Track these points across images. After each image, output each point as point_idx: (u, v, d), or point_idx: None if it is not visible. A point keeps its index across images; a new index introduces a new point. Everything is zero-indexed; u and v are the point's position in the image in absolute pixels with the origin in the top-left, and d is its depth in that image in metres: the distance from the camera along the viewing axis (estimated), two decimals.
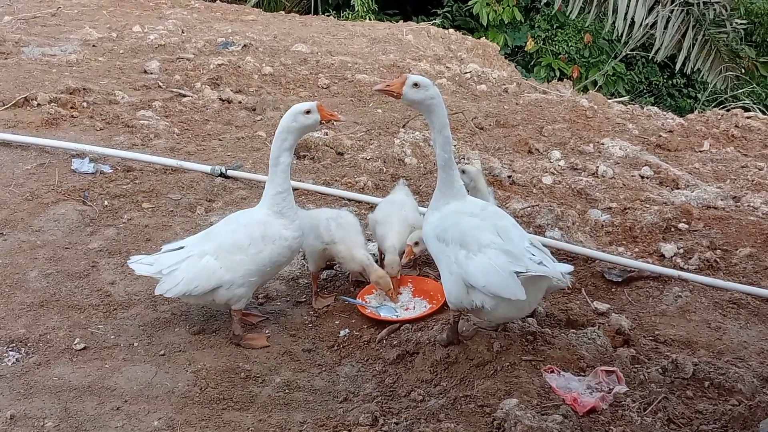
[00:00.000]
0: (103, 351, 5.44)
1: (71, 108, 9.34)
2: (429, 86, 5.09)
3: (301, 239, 5.69)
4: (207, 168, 8.01)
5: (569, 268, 4.87)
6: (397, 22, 16.85)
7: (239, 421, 4.81)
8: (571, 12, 15.77)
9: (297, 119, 5.41)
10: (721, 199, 8.02)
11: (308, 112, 5.42)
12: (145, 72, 11.05)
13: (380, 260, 6.39)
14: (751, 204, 7.96)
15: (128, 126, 9.07)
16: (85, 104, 9.49)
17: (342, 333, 5.73)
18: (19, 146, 8.27)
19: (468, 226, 5.04)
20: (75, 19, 13.85)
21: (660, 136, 10.26)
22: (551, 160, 9.00)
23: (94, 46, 12.17)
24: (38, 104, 9.30)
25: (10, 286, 6.11)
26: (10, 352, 5.36)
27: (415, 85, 5.06)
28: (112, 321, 5.77)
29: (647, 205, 7.78)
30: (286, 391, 5.10)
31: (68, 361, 5.32)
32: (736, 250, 6.91)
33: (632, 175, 8.78)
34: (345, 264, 5.99)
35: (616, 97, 15.94)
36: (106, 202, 7.38)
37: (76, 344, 5.45)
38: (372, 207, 7.03)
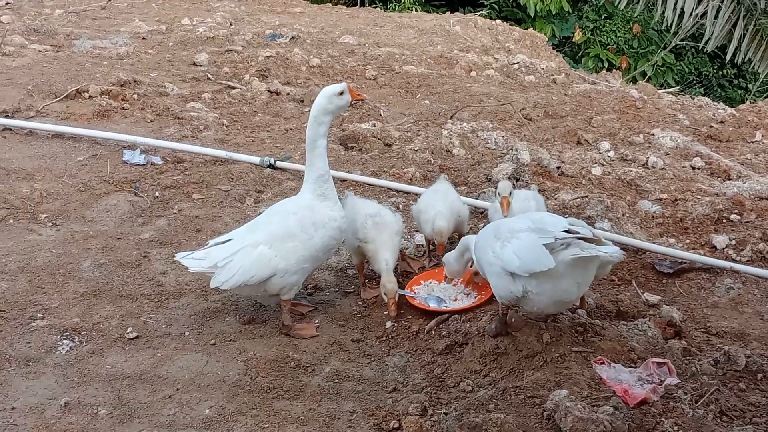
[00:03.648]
0: (155, 340, 5.50)
1: (122, 100, 9.44)
2: None
3: (346, 219, 5.72)
4: (256, 159, 8.06)
5: (616, 249, 4.60)
6: (443, 13, 16.81)
7: (289, 409, 4.84)
8: (619, 2, 15.59)
9: (332, 101, 5.52)
10: None
11: (341, 93, 5.53)
12: (195, 64, 11.13)
13: (427, 248, 6.46)
14: None
15: (178, 118, 9.15)
16: (135, 96, 9.58)
17: (390, 324, 5.74)
18: (71, 138, 8.39)
19: (503, 221, 5.26)
20: (125, 12, 14.01)
21: (711, 126, 10.12)
22: (600, 151, 8.92)
23: (143, 38, 12.30)
24: (90, 96, 9.41)
25: (63, 275, 6.19)
26: (64, 341, 5.43)
27: None
28: (163, 310, 5.83)
29: (698, 197, 7.69)
30: (336, 380, 5.12)
31: (121, 349, 5.38)
32: None
33: (683, 166, 8.68)
34: (372, 264, 5.91)
35: (665, 88, 15.76)
36: (157, 193, 7.47)
37: (128, 333, 5.52)
38: None
